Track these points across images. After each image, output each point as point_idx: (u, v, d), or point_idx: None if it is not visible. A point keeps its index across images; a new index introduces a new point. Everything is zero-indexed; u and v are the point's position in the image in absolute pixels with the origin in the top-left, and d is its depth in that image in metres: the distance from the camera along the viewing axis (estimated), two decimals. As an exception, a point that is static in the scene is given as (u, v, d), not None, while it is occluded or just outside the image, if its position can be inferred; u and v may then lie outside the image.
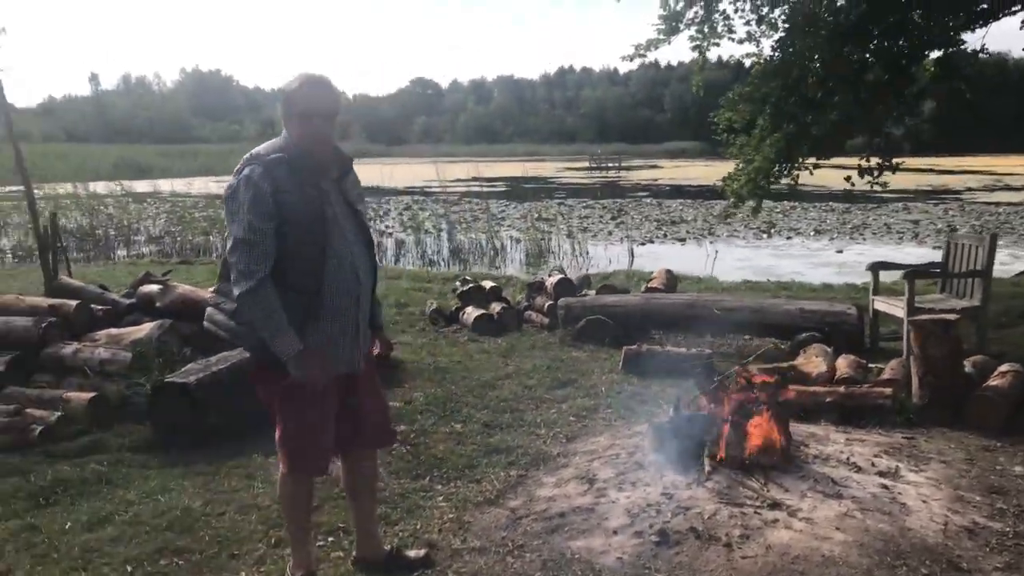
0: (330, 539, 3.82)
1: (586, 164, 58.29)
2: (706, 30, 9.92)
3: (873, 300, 6.91)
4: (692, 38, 10.02)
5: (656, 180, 41.86)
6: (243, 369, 5.19)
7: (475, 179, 35.95)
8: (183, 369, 5.13)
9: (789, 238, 18.38)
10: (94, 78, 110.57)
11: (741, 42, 10.12)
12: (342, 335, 3.11)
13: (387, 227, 20.61)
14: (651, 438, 4.40)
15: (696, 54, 10.24)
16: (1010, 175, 42.16)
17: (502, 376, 6.34)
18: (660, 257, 15.01)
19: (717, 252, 14.78)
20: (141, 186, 29.88)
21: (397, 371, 6.45)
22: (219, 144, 69.10)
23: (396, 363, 6.64)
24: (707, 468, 4.01)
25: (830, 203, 25.53)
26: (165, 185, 34.26)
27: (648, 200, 28.78)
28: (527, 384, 6.12)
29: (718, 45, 10.05)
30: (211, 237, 17.89)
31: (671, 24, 9.82)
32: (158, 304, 6.30)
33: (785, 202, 25.14)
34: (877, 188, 9.41)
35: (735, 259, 15.31)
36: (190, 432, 4.85)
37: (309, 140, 3.03)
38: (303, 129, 3.03)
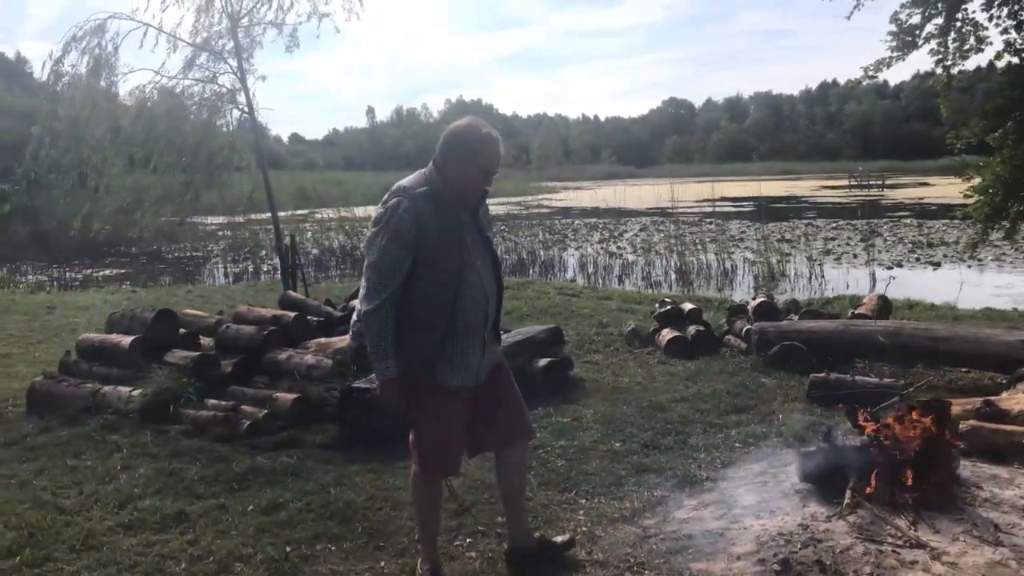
0: (468, 540, 4.07)
1: (845, 182, 55.06)
2: (950, 42, 9.27)
3: (1112, 332, 6.08)
4: (933, 51, 9.40)
5: (922, 199, 38.62)
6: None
7: (722, 199, 35.25)
8: (370, 376, 5.63)
9: (1074, 263, 16.36)
10: (370, 111, 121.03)
11: (999, 56, 9.34)
12: (472, 350, 3.40)
13: (618, 247, 20.84)
14: (799, 467, 4.24)
15: (940, 70, 9.60)
16: None
17: (677, 399, 6.30)
18: (906, 283, 13.93)
19: (962, 278, 13.50)
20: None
21: (575, 389, 6.62)
22: (477, 170, 72.72)
23: (576, 381, 6.81)
24: (848, 501, 3.82)
25: None
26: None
27: (908, 220, 26.69)
28: (701, 408, 6.04)
29: (966, 58, 9.37)
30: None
31: (904, 39, 9.30)
32: (364, 317, 6.95)
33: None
34: None
35: (995, 286, 13.92)
36: (371, 433, 5.32)
37: (470, 187, 3.32)
38: (471, 179, 3.30)
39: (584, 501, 4.48)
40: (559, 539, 3.85)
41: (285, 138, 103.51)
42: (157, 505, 4.48)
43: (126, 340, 6.60)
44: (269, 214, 10.63)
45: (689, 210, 28.38)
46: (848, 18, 9.51)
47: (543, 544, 3.80)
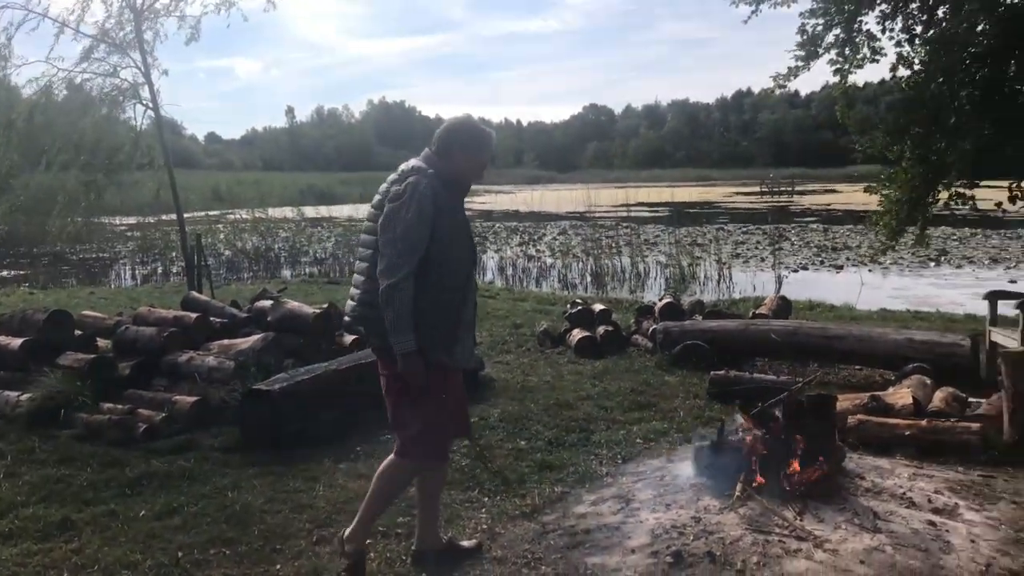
0: (368, 541, 4.02)
1: (757, 189, 56.56)
2: (847, 52, 9.60)
3: (989, 331, 6.42)
4: (832, 61, 9.72)
5: (829, 205, 39.99)
6: (328, 381, 5.60)
7: (638, 204, 35.85)
8: (272, 378, 5.55)
9: (959, 267, 17.12)
10: (290, 111, 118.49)
11: (893, 69, 9.71)
12: (470, 332, 3.58)
13: (537, 250, 20.98)
14: (694, 461, 4.35)
15: (837, 78, 9.93)
16: None
17: (584, 397, 6.39)
18: (809, 285, 14.43)
19: (863, 281, 14.05)
20: (321, 211, 31.89)
21: (485, 389, 6.64)
22: (399, 172, 72.27)
23: (487, 381, 6.83)
24: (738, 494, 3.93)
25: (1017, 230, 23.52)
26: (346, 210, 36.48)
27: (814, 226, 27.60)
28: (605, 405, 6.14)
29: (861, 67, 9.69)
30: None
31: (809, 49, 9.58)
32: (269, 318, 6.84)
33: (966, 229, 23.46)
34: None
35: (892, 288, 14.49)
36: (272, 436, 5.24)
37: (466, 174, 3.49)
38: (472, 167, 3.49)
39: (487, 499, 4.50)
40: (466, 544, 3.87)
41: (201, 137, 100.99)
42: (41, 513, 4.31)
43: (16, 342, 6.35)
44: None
45: (607, 215, 28.71)
46: (745, 22, 9.71)
47: (451, 547, 3.81)
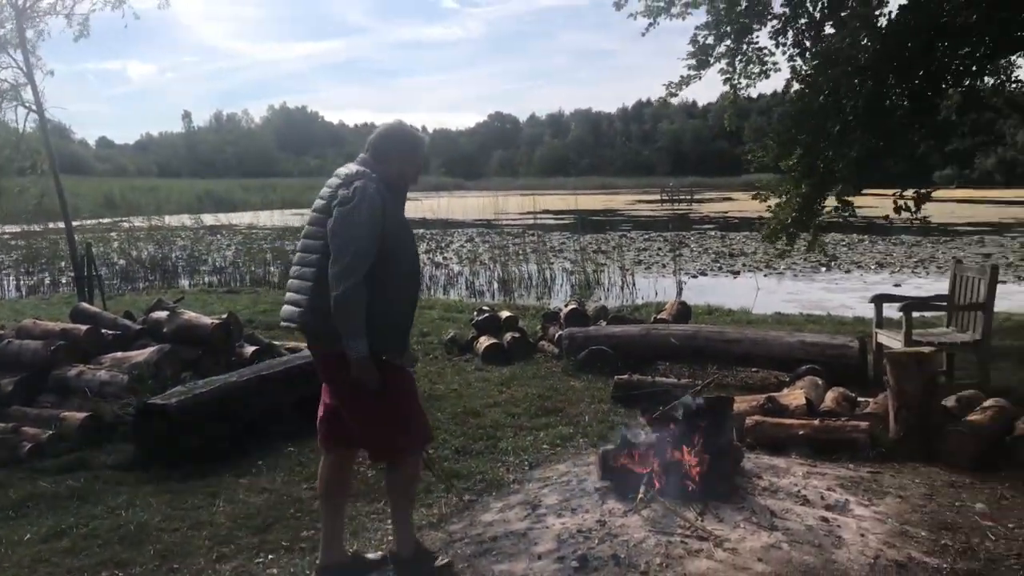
0: (270, 556, 3.94)
1: (658, 197, 57.96)
2: (737, 63, 9.93)
3: (876, 333, 6.73)
4: (723, 71, 10.04)
5: (726, 212, 41.33)
6: (228, 393, 5.44)
7: (544, 211, 36.19)
8: (168, 392, 5.36)
9: (848, 271, 17.91)
10: (187, 115, 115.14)
11: (788, 83, 10.08)
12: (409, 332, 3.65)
13: (444, 258, 20.93)
14: (599, 465, 4.41)
15: (727, 88, 10.26)
16: (1104, 206, 40.10)
17: (491, 404, 6.40)
18: (708, 290, 14.84)
19: (759, 286, 14.56)
20: (221, 218, 31.02)
21: (390, 397, 6.56)
22: (301, 178, 71.26)
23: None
24: (641, 496, 4.01)
25: (901, 236, 24.77)
26: (246, 217, 35.59)
27: (713, 233, 28.45)
28: (512, 412, 6.17)
29: (752, 82, 10.04)
30: (272, 268, 18.50)
31: (700, 59, 9.86)
32: (165, 330, 6.61)
33: (854, 235, 24.58)
34: (917, 221, 9.23)
35: (786, 292, 15.03)
36: (169, 452, 5.05)
37: (402, 178, 3.50)
38: (403, 170, 3.49)
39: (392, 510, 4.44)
40: (372, 556, 3.80)
41: (92, 142, 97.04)
42: (-88, 541, 4.05)
43: None
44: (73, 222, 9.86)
45: (513, 222, 28.93)
46: (643, 35, 9.98)
47: (356, 560, 3.75)
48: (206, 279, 18.17)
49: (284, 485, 4.80)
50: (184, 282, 17.79)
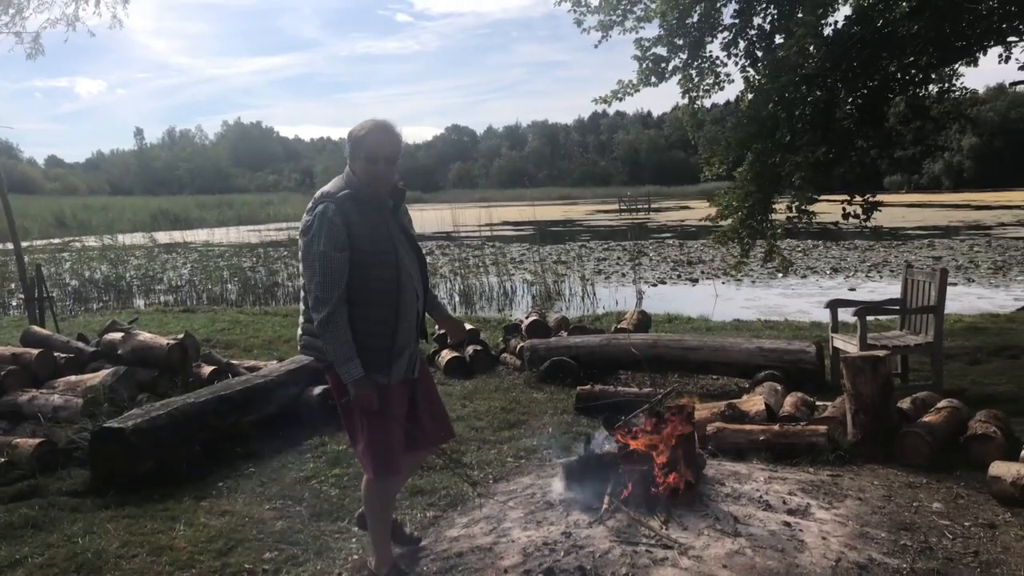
0: (234, 582, 3.87)
1: (616, 206, 58.41)
2: (693, 74, 10.04)
3: (832, 338, 6.84)
4: (681, 83, 10.15)
5: (683, 220, 41.76)
6: (186, 414, 5.35)
7: (503, 223, 36.21)
8: (125, 415, 5.25)
9: (804, 277, 18.20)
10: (139, 132, 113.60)
11: (742, 94, 10.21)
12: (407, 345, 3.51)
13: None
14: (563, 477, 4.41)
15: (686, 101, 10.37)
16: (1047, 209, 41.30)
17: (454, 418, 6.29)
18: (668, 298, 15.01)
19: (717, 293, 14.74)
20: (175, 236, 30.57)
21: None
22: (257, 194, 70.57)
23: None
24: (606, 506, 4.02)
25: (855, 241, 25.24)
26: (202, 235, 35.11)
27: (671, 241, 28.73)
28: (476, 426, 6.16)
29: (709, 93, 10.16)
30: (229, 285, 18.28)
31: (655, 68, 9.93)
32: (120, 351, 6.50)
33: (809, 241, 25.00)
34: (867, 228, 9.41)
35: (744, 299, 15.23)
36: (126, 476, 4.95)
37: (371, 179, 3.39)
38: (368, 169, 3.37)
39: (357, 529, 4.39)
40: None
41: (41, 160, 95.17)
42: None
43: None
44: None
45: (472, 234, 28.94)
46: (596, 47, 10.06)
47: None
48: (162, 298, 17.87)
49: (245, 507, 4.73)
50: (139, 302, 17.49)
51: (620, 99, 9.80)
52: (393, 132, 3.43)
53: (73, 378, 6.16)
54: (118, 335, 6.69)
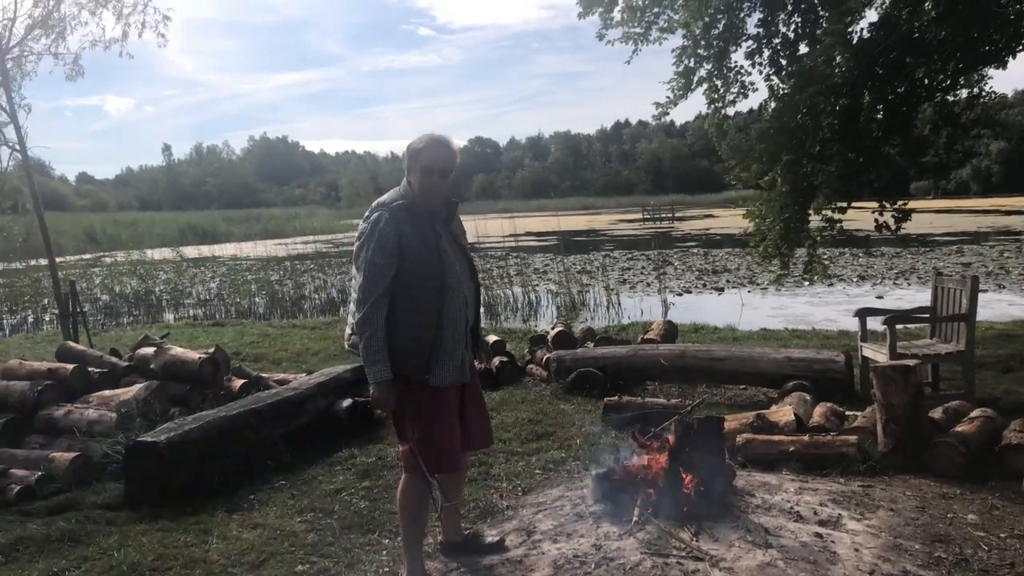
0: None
1: (639, 216, 58.25)
2: (718, 84, 10.04)
3: (861, 347, 6.79)
4: (706, 92, 10.15)
5: (708, 229, 41.61)
6: (218, 428, 5.42)
7: (527, 233, 36.27)
8: (158, 429, 5.32)
9: (831, 284, 18.01)
10: (167, 148, 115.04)
11: (766, 102, 10.19)
12: (456, 350, 3.62)
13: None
14: (592, 489, 4.42)
15: (711, 111, 10.36)
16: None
17: (482, 430, 6.38)
18: (694, 308, 14.92)
19: (743, 302, 14.66)
20: (203, 251, 30.93)
21: (381, 428, 6.55)
22: (283, 208, 71.21)
23: (382, 420, 6.75)
24: (636, 518, 4.01)
25: (881, 247, 24.99)
26: (230, 249, 35.49)
27: (695, 250, 28.60)
28: (503, 438, 6.16)
29: (734, 103, 10.15)
30: (257, 299, 18.45)
31: (684, 81, 9.96)
32: (152, 366, 6.58)
33: (834, 248, 24.77)
34: (893, 237, 9.36)
35: (770, 307, 15.11)
36: (160, 489, 5.02)
37: (426, 190, 3.55)
38: (423, 181, 3.54)
39: (387, 541, 4.44)
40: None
41: (72, 178, 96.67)
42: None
43: None
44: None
45: (496, 245, 29.00)
46: (628, 63, 10.08)
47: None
48: (191, 312, 18.07)
49: (277, 519, 4.77)
50: (168, 316, 17.69)
51: (667, 113, 9.89)
52: (448, 146, 3.60)
53: (107, 392, 6.25)
54: (150, 350, 6.79)
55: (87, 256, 29.67)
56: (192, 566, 4.18)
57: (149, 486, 5.05)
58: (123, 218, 54.66)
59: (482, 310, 16.28)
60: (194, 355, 6.68)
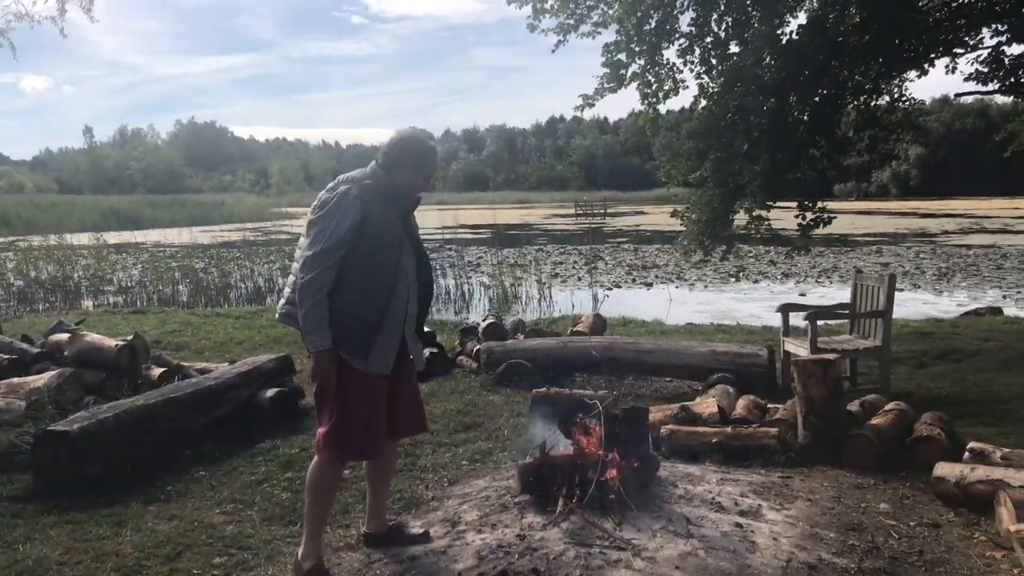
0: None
1: (572, 211, 58.68)
2: (651, 80, 10.10)
3: (783, 341, 6.95)
4: (639, 88, 10.21)
5: (639, 226, 42.17)
6: (134, 417, 5.24)
7: (461, 226, 36.22)
8: (70, 417, 5.13)
9: (756, 281, 18.45)
10: (88, 131, 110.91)
11: (696, 100, 10.29)
12: (392, 341, 3.60)
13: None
14: (518, 480, 4.41)
15: (645, 107, 10.42)
16: (988, 218, 42.54)
17: (409, 421, 6.33)
18: (623, 302, 15.06)
19: (671, 297, 14.89)
20: (126, 236, 30.01)
21: (305, 418, 6.44)
22: (211, 194, 69.59)
23: (307, 410, 6.64)
24: (560, 509, 4.02)
25: (807, 246, 25.58)
26: (154, 235, 34.50)
27: (626, 246, 28.93)
28: (431, 428, 6.08)
29: (667, 99, 10.22)
30: (181, 286, 17.97)
31: (616, 75, 9.98)
32: (66, 353, 6.35)
33: (760, 247, 25.35)
34: (816, 237, 9.60)
35: (698, 303, 15.38)
36: (71, 480, 4.83)
37: (410, 187, 3.65)
38: (412, 179, 3.62)
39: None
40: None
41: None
42: None
43: None
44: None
45: (430, 237, 28.85)
46: (553, 51, 10.01)
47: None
48: (111, 299, 17.49)
49: (195, 511, 4.64)
50: (88, 303, 17.10)
51: (592, 105, 9.86)
52: (437, 152, 3.78)
53: (16, 380, 5.98)
54: (64, 336, 6.54)
55: (0, 240, 28.53)
56: (104, 559, 4.03)
57: (59, 477, 4.87)
58: (41, 200, 52.70)
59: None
60: (111, 342, 6.46)
